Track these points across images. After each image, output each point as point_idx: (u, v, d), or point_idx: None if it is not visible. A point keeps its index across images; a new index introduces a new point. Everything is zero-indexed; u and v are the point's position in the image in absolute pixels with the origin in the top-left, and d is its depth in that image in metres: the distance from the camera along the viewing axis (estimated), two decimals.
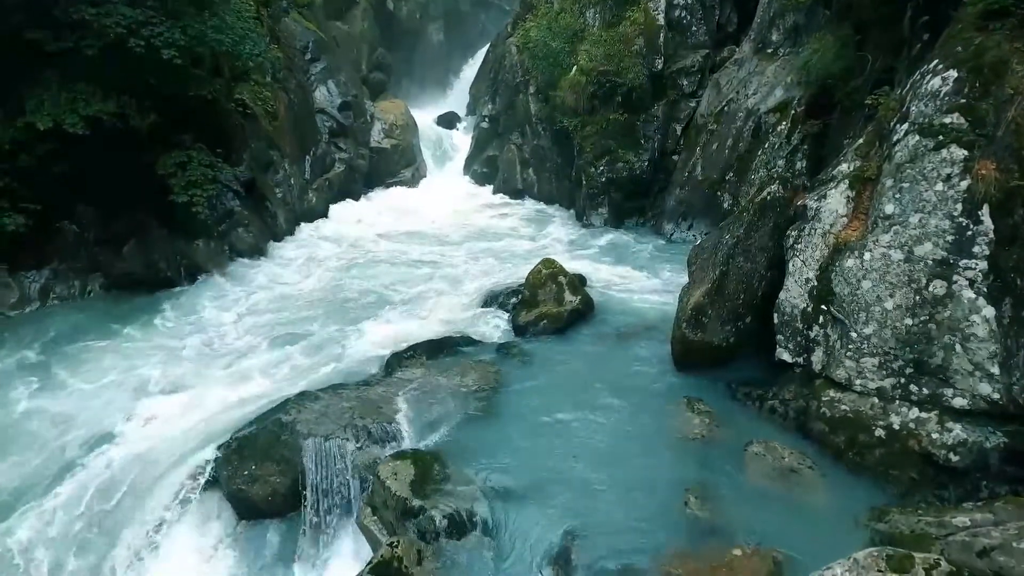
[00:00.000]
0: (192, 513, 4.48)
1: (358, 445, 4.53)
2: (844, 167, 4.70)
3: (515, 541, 3.75)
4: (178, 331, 6.68)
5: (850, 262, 4.32)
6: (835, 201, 4.57)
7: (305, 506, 4.44)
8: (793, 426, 4.51)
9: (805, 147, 8.04)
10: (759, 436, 4.37)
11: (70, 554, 4.18)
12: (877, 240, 4.22)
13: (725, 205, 8.82)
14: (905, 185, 4.15)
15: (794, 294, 4.61)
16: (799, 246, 4.66)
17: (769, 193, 5.11)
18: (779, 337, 4.67)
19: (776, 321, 4.69)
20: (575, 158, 10.89)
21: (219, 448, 4.66)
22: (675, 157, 10.21)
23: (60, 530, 4.26)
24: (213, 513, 4.51)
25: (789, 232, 4.78)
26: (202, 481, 4.59)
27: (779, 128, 8.41)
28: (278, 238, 9.52)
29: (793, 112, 8.28)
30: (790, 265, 4.68)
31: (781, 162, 8.16)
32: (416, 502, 3.90)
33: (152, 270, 7.63)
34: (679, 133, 10.31)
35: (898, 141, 4.27)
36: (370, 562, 3.69)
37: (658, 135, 10.31)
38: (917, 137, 4.14)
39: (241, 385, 5.58)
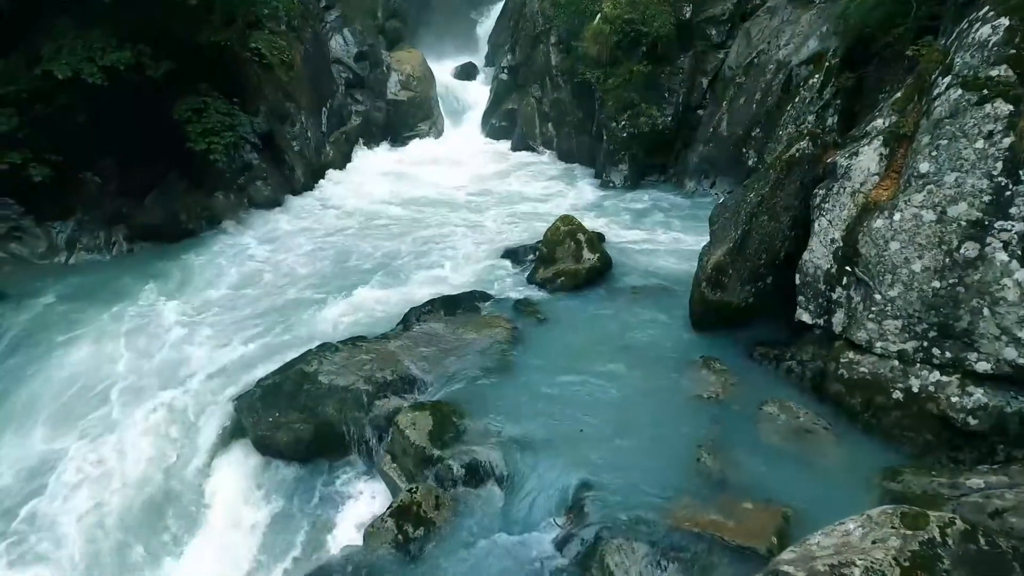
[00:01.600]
0: (216, 459, 4.67)
1: (378, 395, 4.64)
2: (879, 123, 4.50)
3: (530, 491, 3.85)
4: (197, 285, 6.78)
5: (879, 222, 4.19)
6: (867, 159, 4.40)
7: (328, 452, 4.60)
8: (809, 387, 4.50)
9: (838, 102, 7.69)
10: (775, 396, 4.38)
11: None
12: (909, 200, 4.07)
13: (750, 162, 8.56)
14: (943, 142, 3.97)
15: (818, 254, 4.52)
16: (826, 205, 4.52)
17: (797, 150, 4.93)
18: (800, 298, 4.60)
19: (798, 282, 4.61)
20: (596, 112, 10.59)
21: (242, 397, 4.82)
22: (700, 112, 9.87)
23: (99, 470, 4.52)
24: (238, 458, 4.70)
25: (816, 191, 4.63)
26: (227, 429, 4.77)
27: (811, 81, 8.04)
28: (296, 192, 9.53)
29: (828, 64, 7.89)
30: (815, 225, 4.56)
31: (811, 117, 7.84)
32: (434, 451, 4.02)
33: (173, 221, 7.72)
34: (705, 86, 9.92)
35: (939, 95, 4.06)
36: (391, 506, 3.84)
37: (683, 88, 9.94)
38: (960, 91, 3.93)
39: (261, 338, 5.70)
